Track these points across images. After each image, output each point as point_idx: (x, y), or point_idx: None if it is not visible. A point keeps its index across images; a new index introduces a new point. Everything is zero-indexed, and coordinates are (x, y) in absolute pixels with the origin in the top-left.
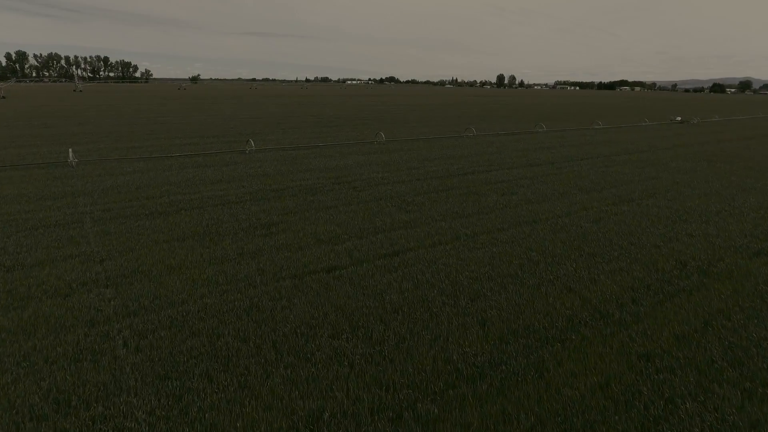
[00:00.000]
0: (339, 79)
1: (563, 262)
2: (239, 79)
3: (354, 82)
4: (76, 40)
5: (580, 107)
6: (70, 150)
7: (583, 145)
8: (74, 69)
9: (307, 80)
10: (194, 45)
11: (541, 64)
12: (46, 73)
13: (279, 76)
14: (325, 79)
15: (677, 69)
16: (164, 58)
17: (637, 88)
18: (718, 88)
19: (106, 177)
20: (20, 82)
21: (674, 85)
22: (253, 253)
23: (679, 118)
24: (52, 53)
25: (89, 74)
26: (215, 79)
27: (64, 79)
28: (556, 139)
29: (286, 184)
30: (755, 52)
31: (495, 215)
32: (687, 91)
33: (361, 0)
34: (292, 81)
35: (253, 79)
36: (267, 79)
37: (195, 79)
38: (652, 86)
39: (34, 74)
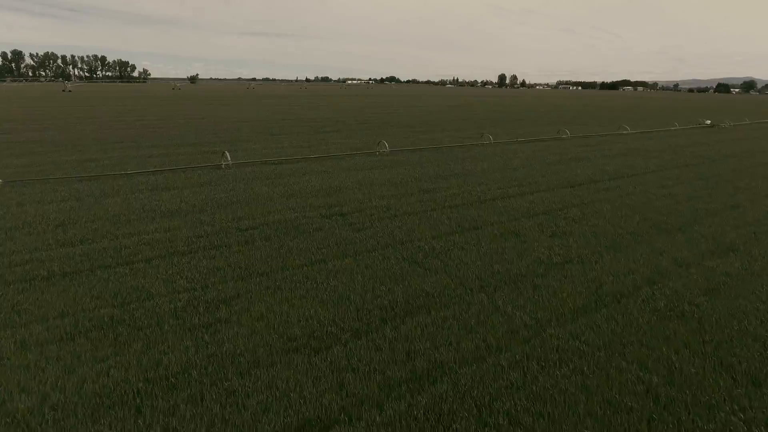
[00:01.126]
0: (339, 78)
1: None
2: (239, 79)
3: (354, 81)
4: (76, 40)
5: (594, 109)
6: None
7: (622, 156)
8: (70, 68)
9: (308, 80)
10: (194, 44)
11: (540, 63)
12: (42, 73)
13: (279, 76)
14: (326, 79)
15: (677, 69)
16: (164, 57)
17: (640, 88)
18: (722, 88)
19: (28, 206)
20: (16, 81)
21: (676, 85)
22: (168, 387)
23: (708, 122)
24: (48, 52)
25: (86, 74)
26: (215, 79)
27: (60, 79)
28: (585, 147)
29: (260, 217)
30: (755, 51)
31: (554, 277)
32: (691, 91)
33: (361, 0)
34: (292, 81)
35: (253, 79)
36: (267, 79)
37: (193, 79)
38: (654, 86)
39: (30, 74)
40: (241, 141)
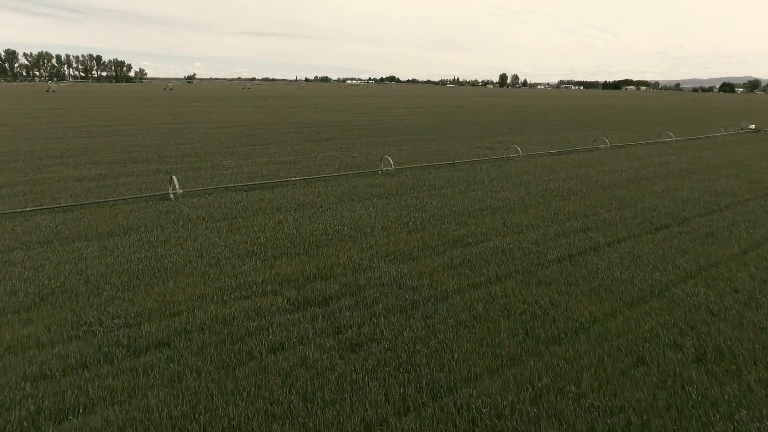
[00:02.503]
0: (339, 78)
1: None
2: (239, 78)
3: (354, 81)
4: (75, 40)
5: (612, 111)
6: None
7: (692, 174)
8: (65, 68)
9: (307, 80)
10: (194, 44)
11: (540, 63)
12: (37, 73)
13: (279, 76)
14: (325, 79)
15: (677, 68)
16: (164, 57)
17: (643, 88)
18: (727, 87)
19: None
20: (9, 81)
21: (677, 85)
22: None
23: (752, 126)
24: (42, 52)
25: (81, 74)
26: (214, 79)
27: (55, 79)
28: (636, 161)
29: (182, 322)
30: (756, 51)
31: None
32: (695, 90)
33: (361, 0)
34: (292, 80)
35: (253, 78)
36: (267, 79)
37: (190, 79)
38: (655, 86)
39: (24, 74)
40: (212, 154)
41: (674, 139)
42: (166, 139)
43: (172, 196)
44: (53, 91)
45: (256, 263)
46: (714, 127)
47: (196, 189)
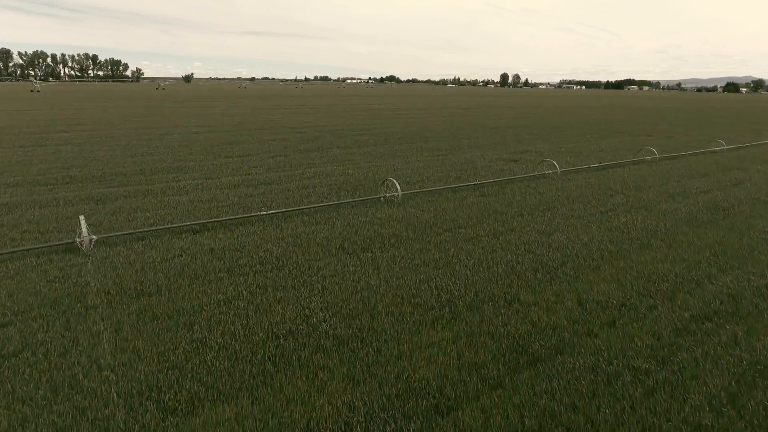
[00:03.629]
0: (339, 78)
1: None
2: (239, 78)
3: (354, 81)
4: (75, 39)
5: (630, 112)
6: None
7: None
8: (60, 68)
9: (306, 79)
10: (194, 44)
11: (540, 63)
12: (32, 72)
13: (279, 76)
14: (325, 78)
15: (677, 68)
16: (164, 57)
17: (646, 88)
18: (732, 87)
19: None
20: (3, 81)
21: (679, 84)
22: None
23: None
24: (37, 51)
25: (77, 73)
26: (213, 78)
27: (39, 78)
28: (700, 180)
29: None
30: (756, 51)
31: None
32: (699, 90)
33: None
34: (291, 80)
35: (253, 78)
36: (266, 78)
37: (188, 78)
38: (657, 85)
39: (18, 73)
40: (172, 171)
41: (726, 147)
42: (126, 149)
43: (80, 245)
44: (38, 91)
45: (149, 421)
46: (759, 132)
47: (122, 233)
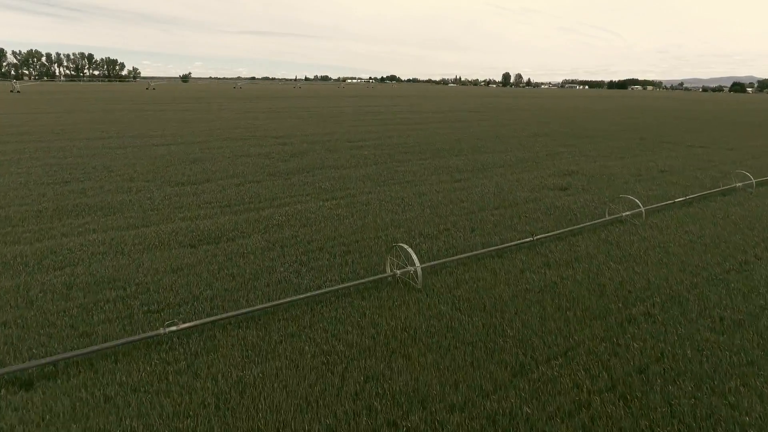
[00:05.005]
0: (339, 78)
1: None
2: (238, 78)
3: (354, 81)
4: (75, 39)
5: (656, 115)
6: None
7: None
8: (56, 67)
9: (306, 79)
10: (195, 44)
11: (541, 62)
12: (26, 71)
13: (279, 75)
14: (325, 78)
15: (678, 68)
16: (164, 56)
17: (650, 88)
18: (738, 87)
19: None
20: None
21: (681, 84)
22: None
23: None
24: (32, 50)
25: (72, 72)
26: (213, 78)
27: (45, 78)
28: None
29: None
30: (756, 51)
31: None
32: (704, 90)
33: None
34: (291, 80)
35: (252, 78)
36: (267, 78)
37: (185, 78)
38: (658, 85)
39: (13, 72)
40: (87, 211)
41: None
42: (51, 171)
43: None
44: (17, 92)
45: None
46: None
47: None
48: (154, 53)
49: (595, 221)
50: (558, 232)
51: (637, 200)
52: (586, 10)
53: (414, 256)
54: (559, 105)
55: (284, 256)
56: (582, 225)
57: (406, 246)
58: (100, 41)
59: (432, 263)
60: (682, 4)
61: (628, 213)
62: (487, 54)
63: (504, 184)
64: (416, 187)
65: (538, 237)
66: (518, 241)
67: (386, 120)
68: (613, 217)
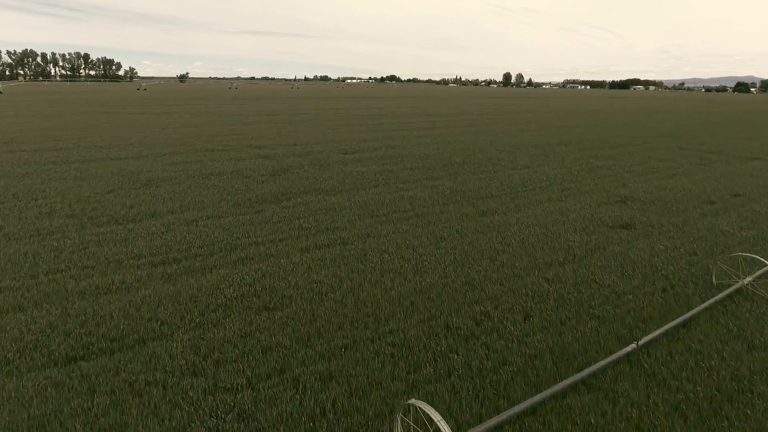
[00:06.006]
0: (339, 78)
1: None
2: (238, 78)
3: (354, 81)
4: (75, 39)
5: (678, 118)
6: None
7: None
8: (51, 66)
9: (306, 79)
10: (195, 43)
11: (541, 62)
12: (21, 71)
13: (279, 75)
14: (325, 78)
15: (678, 68)
16: (165, 56)
17: (652, 88)
18: (742, 87)
19: None
20: None
21: (682, 84)
22: None
23: None
24: (26, 50)
25: (68, 72)
26: (213, 78)
27: (40, 78)
28: None
29: None
30: (757, 51)
31: None
32: (708, 90)
33: None
34: (291, 80)
35: (252, 78)
36: (266, 78)
37: (183, 78)
38: (660, 85)
39: (7, 72)
40: None
41: None
42: None
43: None
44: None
45: None
46: None
47: None
48: (154, 53)
49: (707, 302)
50: (665, 328)
51: (758, 256)
52: (586, 9)
53: (437, 417)
54: (568, 106)
55: (215, 392)
56: (692, 312)
57: (424, 406)
58: (100, 41)
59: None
60: (682, 4)
61: (749, 279)
62: (487, 54)
63: (546, 219)
64: (430, 225)
65: (643, 342)
66: (613, 356)
67: (387, 125)
68: (732, 289)
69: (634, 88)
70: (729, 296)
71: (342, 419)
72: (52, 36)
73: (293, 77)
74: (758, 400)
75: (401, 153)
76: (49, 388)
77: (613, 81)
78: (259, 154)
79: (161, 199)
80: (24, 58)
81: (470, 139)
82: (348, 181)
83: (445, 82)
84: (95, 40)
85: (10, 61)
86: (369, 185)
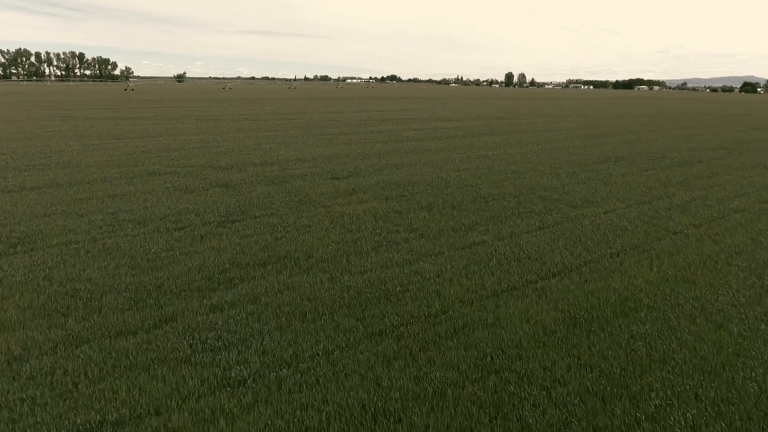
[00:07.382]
0: (339, 77)
1: None
2: (239, 77)
3: (354, 81)
4: (75, 39)
5: (711, 122)
6: None
7: None
8: (45, 66)
9: (306, 79)
10: (195, 43)
11: (542, 62)
12: (14, 71)
13: (279, 75)
14: (325, 78)
15: (678, 68)
16: (165, 56)
17: (656, 88)
18: (749, 87)
19: None
20: None
21: (684, 84)
22: None
23: None
24: (20, 49)
25: (62, 71)
26: (213, 78)
27: (34, 78)
28: None
29: None
30: (757, 51)
31: None
32: (714, 90)
33: None
34: (291, 79)
35: (252, 78)
36: (266, 78)
37: (180, 78)
38: (663, 85)
39: (0, 72)
40: None
41: None
42: None
43: None
44: None
45: None
46: None
47: None
48: (154, 53)
49: None
50: None
51: None
52: (586, 10)
53: None
54: (583, 108)
55: None
56: None
57: None
58: (100, 41)
59: None
60: (683, 4)
61: None
62: (488, 54)
63: (669, 352)
64: (479, 358)
65: None
66: None
67: (389, 133)
68: None
69: (638, 88)
70: None
71: None
72: (52, 36)
73: (293, 77)
74: None
75: (411, 178)
76: None
77: (616, 81)
78: (218, 180)
79: (10, 285)
80: (18, 57)
81: (495, 154)
82: (333, 239)
83: (446, 82)
84: (95, 40)
85: (2, 60)
86: (365, 248)
